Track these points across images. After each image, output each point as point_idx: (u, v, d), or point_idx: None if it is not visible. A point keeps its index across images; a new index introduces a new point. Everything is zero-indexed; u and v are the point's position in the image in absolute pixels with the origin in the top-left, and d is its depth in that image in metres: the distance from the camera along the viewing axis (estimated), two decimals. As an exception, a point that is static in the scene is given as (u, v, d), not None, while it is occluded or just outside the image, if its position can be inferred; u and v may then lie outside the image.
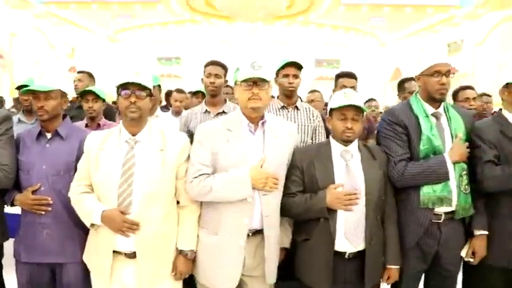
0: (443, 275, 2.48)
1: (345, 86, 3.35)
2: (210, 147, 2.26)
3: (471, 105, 3.75)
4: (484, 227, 2.43)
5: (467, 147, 2.42)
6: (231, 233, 2.23)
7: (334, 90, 3.48)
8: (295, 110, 3.11)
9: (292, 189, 2.34)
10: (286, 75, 3.07)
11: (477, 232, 2.44)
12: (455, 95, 3.98)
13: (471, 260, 2.45)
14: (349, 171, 2.28)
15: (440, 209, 2.39)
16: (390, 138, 2.45)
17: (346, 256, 2.25)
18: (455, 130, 2.44)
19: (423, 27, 16.88)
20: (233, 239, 2.23)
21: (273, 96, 3.31)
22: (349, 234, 2.22)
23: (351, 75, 3.53)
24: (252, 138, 2.30)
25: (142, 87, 2.21)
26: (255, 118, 2.31)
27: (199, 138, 2.31)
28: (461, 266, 2.56)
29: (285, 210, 2.34)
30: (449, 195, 2.35)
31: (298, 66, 3.10)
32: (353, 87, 3.37)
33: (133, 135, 2.26)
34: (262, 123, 2.33)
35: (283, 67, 3.10)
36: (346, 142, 2.30)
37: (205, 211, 2.33)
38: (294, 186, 2.34)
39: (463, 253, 2.46)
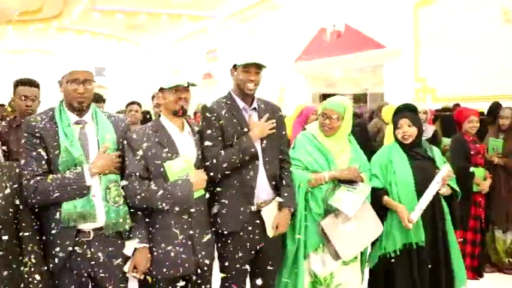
0: None
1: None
2: None
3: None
4: (143, 240, 2.32)
5: (120, 157, 2.31)
6: None
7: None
8: None
9: None
10: None
11: (137, 246, 2.31)
12: None
13: (133, 274, 2.32)
14: None
15: (87, 226, 2.20)
16: (25, 151, 2.18)
17: None
18: (102, 139, 2.28)
19: (183, 36, 17.44)
20: None
21: None
22: None
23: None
24: None
25: None
26: None
27: None
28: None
29: None
30: (91, 210, 2.17)
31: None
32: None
33: None
34: None
35: None
36: None
37: None
38: None
39: (126, 268, 2.32)
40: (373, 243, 3.04)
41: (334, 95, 3.13)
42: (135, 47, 19.74)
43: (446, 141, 4.61)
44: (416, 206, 2.87)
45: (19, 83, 3.15)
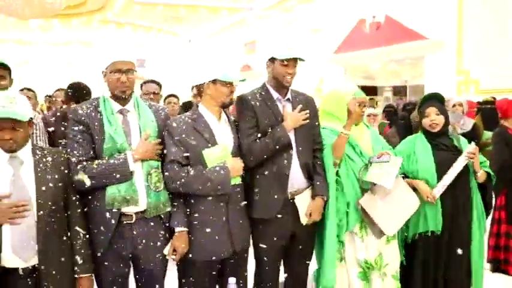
0: (147, 275, 2.42)
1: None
2: None
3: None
4: (182, 223, 2.42)
5: (161, 144, 2.41)
6: None
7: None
8: None
9: None
10: None
11: (176, 229, 2.41)
12: None
13: (173, 257, 2.42)
14: (16, 179, 2.05)
15: (129, 209, 2.30)
16: (72, 137, 2.30)
17: (21, 272, 2.04)
18: (144, 127, 2.38)
19: (222, 28, 17.55)
20: None
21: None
22: (17, 248, 2.00)
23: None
24: None
25: None
26: None
27: None
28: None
29: None
30: (134, 194, 2.28)
31: (6, 67, 2.90)
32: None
33: None
34: None
35: None
36: (9, 152, 2.08)
37: None
38: None
39: (166, 251, 2.42)
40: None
41: (373, 87, 3.15)
42: (175, 39, 20.00)
43: (488, 134, 4.51)
44: (439, 183, 2.88)
45: None
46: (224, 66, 2.67)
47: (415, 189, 2.94)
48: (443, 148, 2.99)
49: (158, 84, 4.00)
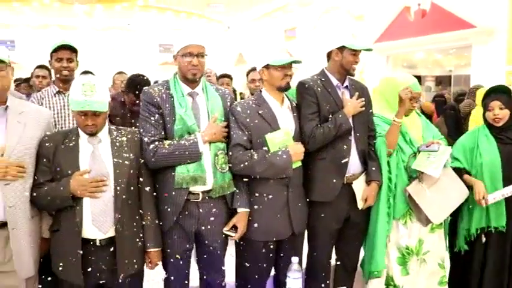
0: (209, 251, 2.54)
1: None
2: None
3: (256, 86, 3.98)
4: (245, 204, 2.52)
5: (226, 127, 2.50)
6: None
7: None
8: None
9: (39, 178, 2.20)
10: (60, 59, 2.96)
11: (238, 209, 2.52)
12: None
13: (232, 234, 2.52)
14: (95, 156, 2.20)
15: (197, 188, 2.41)
16: (144, 118, 2.42)
17: (98, 243, 2.19)
18: (212, 110, 2.48)
19: (262, 14, 17.51)
20: None
21: (54, 82, 3.15)
22: (97, 221, 2.15)
23: None
24: None
25: None
26: None
27: None
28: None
29: (34, 202, 2.20)
30: (203, 174, 2.38)
31: (72, 49, 2.99)
32: None
33: None
34: (5, 109, 2.18)
35: (55, 50, 2.97)
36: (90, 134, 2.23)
37: None
38: (41, 175, 2.20)
39: (225, 229, 2.53)
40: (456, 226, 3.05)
41: (416, 76, 3.15)
42: (214, 25, 20.09)
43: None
44: (498, 191, 2.82)
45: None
46: (275, 50, 2.70)
47: (469, 187, 2.91)
48: (509, 142, 2.91)
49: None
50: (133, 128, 2.49)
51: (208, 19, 19.25)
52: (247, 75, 4.28)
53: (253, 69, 4.11)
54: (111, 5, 16.89)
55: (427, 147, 2.84)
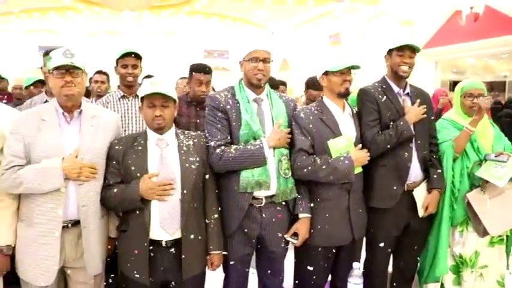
0: (270, 256, 2.56)
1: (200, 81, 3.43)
2: (22, 137, 2.17)
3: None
4: (306, 210, 2.54)
5: (289, 133, 2.52)
6: (46, 224, 2.18)
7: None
8: (135, 99, 3.10)
9: (109, 180, 2.30)
10: (125, 66, 3.08)
11: (300, 215, 2.54)
12: None
13: (294, 241, 2.54)
14: (163, 160, 2.26)
15: (260, 193, 2.44)
16: (211, 123, 2.48)
17: (164, 244, 2.25)
18: (276, 116, 2.51)
19: (306, 20, 17.49)
20: (48, 231, 2.17)
21: (118, 87, 3.28)
22: (164, 223, 2.21)
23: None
24: (68, 128, 2.25)
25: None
26: (71, 107, 2.25)
27: (11, 129, 2.20)
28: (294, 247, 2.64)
29: (103, 203, 2.30)
30: (267, 179, 2.41)
31: (137, 56, 3.11)
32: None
33: None
34: (79, 113, 2.28)
35: (121, 57, 3.10)
36: (158, 130, 2.29)
37: (22, 203, 2.25)
38: (111, 177, 2.30)
39: (287, 235, 2.54)
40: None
41: None
42: (258, 31, 20.23)
43: None
44: None
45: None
46: (334, 57, 2.72)
47: None
48: None
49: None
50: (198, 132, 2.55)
51: (253, 24, 19.40)
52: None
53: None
54: (158, 11, 17.32)
55: (495, 156, 2.78)
